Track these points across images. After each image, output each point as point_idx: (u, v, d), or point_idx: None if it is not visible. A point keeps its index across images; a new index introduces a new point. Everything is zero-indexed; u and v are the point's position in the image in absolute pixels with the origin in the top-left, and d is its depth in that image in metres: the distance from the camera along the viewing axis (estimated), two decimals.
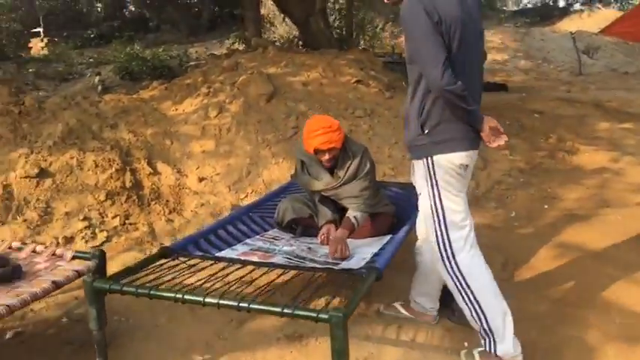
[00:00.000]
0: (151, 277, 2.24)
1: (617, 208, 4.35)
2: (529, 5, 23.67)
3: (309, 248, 2.66)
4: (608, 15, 20.07)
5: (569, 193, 4.88)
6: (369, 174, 2.84)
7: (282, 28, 12.37)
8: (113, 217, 4.07)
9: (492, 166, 5.42)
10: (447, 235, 2.20)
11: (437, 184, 2.18)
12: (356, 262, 2.40)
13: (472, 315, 2.25)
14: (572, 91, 10.64)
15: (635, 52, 16.23)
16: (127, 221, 4.08)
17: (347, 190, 2.81)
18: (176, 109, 5.59)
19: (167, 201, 4.43)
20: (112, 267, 3.06)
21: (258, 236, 2.93)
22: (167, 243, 3.85)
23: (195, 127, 5.23)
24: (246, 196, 4.53)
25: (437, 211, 2.20)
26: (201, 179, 4.71)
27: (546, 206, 4.64)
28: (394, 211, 3.02)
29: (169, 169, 4.74)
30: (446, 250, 2.22)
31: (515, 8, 24.24)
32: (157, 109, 5.57)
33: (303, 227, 3.02)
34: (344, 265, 2.37)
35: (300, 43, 7.74)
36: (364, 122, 5.35)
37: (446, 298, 2.67)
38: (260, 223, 3.18)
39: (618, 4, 20.64)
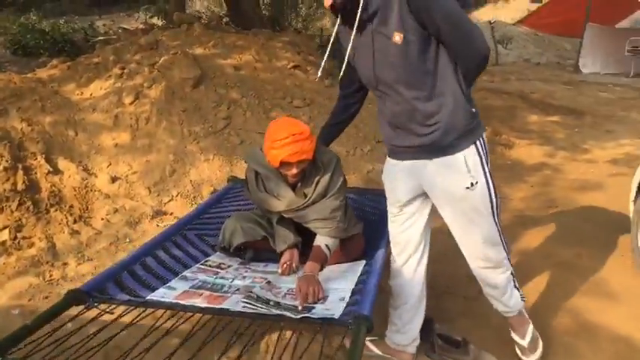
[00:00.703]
0: (55, 346, 1.60)
1: (566, 208, 4.20)
2: None
3: (268, 282, 2.12)
4: (520, 5, 20.77)
5: (516, 192, 4.70)
6: (342, 190, 2.32)
7: (200, 3, 11.41)
8: (1, 230, 3.26)
9: None
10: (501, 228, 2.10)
11: (489, 169, 1.97)
12: (333, 305, 1.89)
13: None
14: (495, 82, 10.73)
15: (545, 44, 16.87)
16: (18, 234, 3.29)
17: (315, 211, 2.27)
18: (82, 93, 4.73)
19: (71, 207, 3.66)
20: (1, 299, 2.35)
21: (198, 265, 2.34)
22: (73, 263, 3.13)
23: (106, 116, 4.43)
24: (171, 200, 3.86)
25: (495, 202, 2.01)
26: (114, 179, 3.96)
27: None
28: (363, 228, 2.54)
29: (73, 167, 3.95)
30: (507, 251, 2.18)
31: None
32: (58, 93, 4.68)
33: (254, 251, 2.46)
34: (320, 311, 1.84)
35: (226, 21, 6.97)
36: (303, 113, 4.82)
37: (425, 331, 2.37)
38: (198, 244, 2.57)
39: None
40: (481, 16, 19.95)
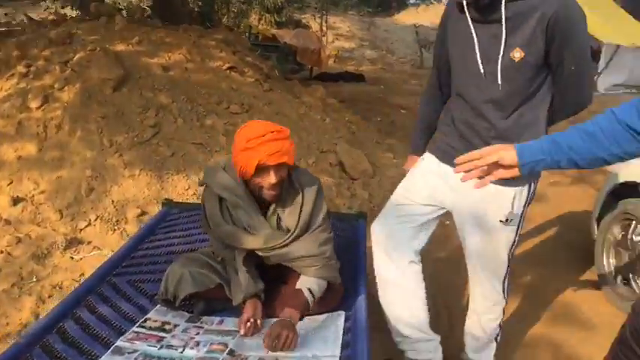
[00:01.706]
0: None
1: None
2: None
3: (231, 352, 1.66)
4: (440, 10, 21.27)
5: None
6: (328, 220, 1.96)
7: None
8: None
9: (382, 173, 4.84)
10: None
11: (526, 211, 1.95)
12: None
13: None
14: (424, 85, 10.77)
15: None
16: None
17: (301, 246, 1.86)
18: None
19: None
20: None
21: (135, 328, 1.82)
22: None
23: (7, 122, 3.71)
24: (88, 225, 3.25)
25: (515, 243, 1.99)
26: (16, 201, 3.30)
27: (448, 222, 4.21)
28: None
29: None
30: (505, 298, 2.13)
31: None
32: None
33: (206, 301, 1.98)
34: None
35: (150, 14, 6.27)
36: (242, 120, 4.32)
37: None
38: (131, 295, 2.04)
39: None
40: (403, 19, 20.31)
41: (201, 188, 2.13)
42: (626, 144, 1.23)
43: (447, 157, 1.92)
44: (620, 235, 2.93)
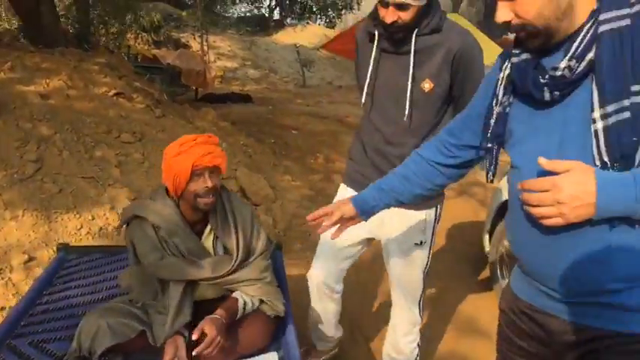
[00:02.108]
0: None
1: None
2: (248, 14, 24.29)
3: None
4: (316, 30, 22.05)
5: None
6: (269, 247, 2.00)
7: None
8: None
9: (283, 196, 4.86)
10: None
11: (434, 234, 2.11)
12: None
13: None
14: (310, 105, 11.00)
15: (342, 67, 18.10)
16: None
17: (245, 272, 1.87)
18: None
19: None
20: None
21: None
22: None
23: None
24: None
25: (428, 264, 2.14)
26: None
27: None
28: None
29: None
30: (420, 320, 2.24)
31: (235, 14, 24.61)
32: None
33: (124, 355, 1.83)
34: None
35: (20, 36, 5.68)
36: (135, 150, 4.10)
37: None
38: (37, 359, 1.83)
39: (325, 22, 22.84)
40: (282, 39, 20.62)
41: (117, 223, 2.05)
42: (435, 178, 1.47)
43: (363, 187, 1.98)
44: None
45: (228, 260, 1.86)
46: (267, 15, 23.97)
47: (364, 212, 1.52)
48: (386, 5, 1.72)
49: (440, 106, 1.89)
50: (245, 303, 1.86)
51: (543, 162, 1.00)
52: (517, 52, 1.15)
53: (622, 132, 0.98)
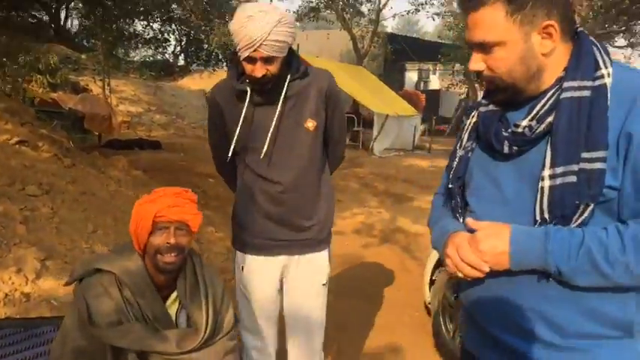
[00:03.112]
0: None
1: (348, 292, 4.20)
2: (151, 59, 23.71)
3: None
4: (223, 76, 21.90)
5: None
6: (236, 326, 1.80)
7: None
8: None
9: (209, 249, 4.59)
10: None
11: None
12: None
13: None
14: None
15: None
16: None
17: (206, 354, 1.64)
18: None
19: None
20: None
21: None
22: None
23: None
24: None
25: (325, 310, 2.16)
26: None
27: None
28: None
29: None
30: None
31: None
32: None
33: None
34: None
35: None
36: (43, 204, 3.67)
37: None
38: None
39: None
40: (188, 84, 20.33)
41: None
42: None
43: (266, 249, 2.02)
44: (453, 298, 3.20)
45: (193, 335, 1.64)
46: (171, 60, 23.56)
47: None
48: (253, 62, 1.76)
49: (321, 140, 2.01)
50: None
51: (470, 223, 1.14)
52: (485, 102, 1.22)
53: (566, 193, 1.04)
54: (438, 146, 16.45)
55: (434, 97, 23.08)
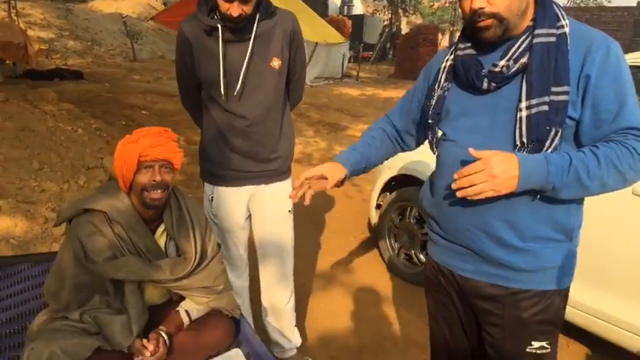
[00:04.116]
0: None
1: None
2: None
3: None
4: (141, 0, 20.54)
5: None
6: (219, 250, 1.92)
7: None
8: None
9: None
10: None
11: None
12: None
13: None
14: (151, 82, 10.37)
15: (172, 40, 17.24)
16: None
17: (199, 278, 1.78)
18: None
19: None
20: None
21: None
22: None
23: None
24: None
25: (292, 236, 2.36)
26: None
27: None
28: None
29: None
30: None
31: None
32: None
33: None
34: None
35: None
36: None
37: None
38: None
39: None
40: (101, 6, 18.85)
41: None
42: (397, 144, 1.71)
43: (233, 179, 2.16)
44: (398, 219, 3.52)
45: (184, 262, 1.77)
46: None
47: (352, 172, 1.64)
48: (230, 1, 1.83)
49: (285, 79, 2.12)
50: (188, 313, 1.82)
51: (473, 152, 1.24)
52: (462, 46, 1.41)
53: (540, 121, 1.25)
54: (365, 74, 16.72)
55: (358, 22, 22.98)
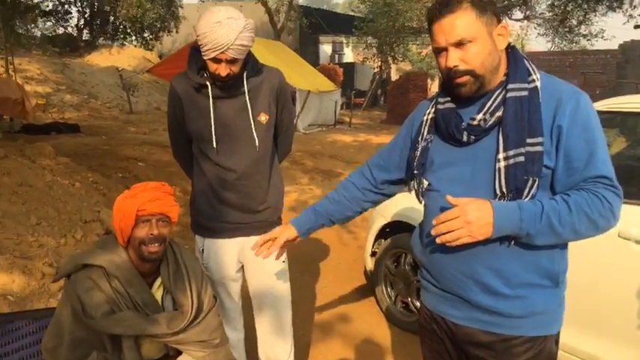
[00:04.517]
0: None
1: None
2: (52, 34, 22.05)
3: None
4: (134, 52, 21.03)
5: None
6: (216, 302, 1.95)
7: None
8: None
9: None
10: None
11: None
12: None
13: None
14: (147, 133, 10.52)
15: (167, 91, 17.60)
16: None
17: (196, 332, 1.80)
18: None
19: None
20: None
21: None
22: None
23: None
24: None
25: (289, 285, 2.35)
26: None
27: None
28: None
29: None
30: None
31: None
32: None
33: None
34: None
35: None
36: None
37: None
38: None
39: (140, 43, 21.85)
40: (97, 60, 19.28)
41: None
42: (364, 203, 1.78)
43: (223, 231, 2.20)
44: (394, 266, 3.55)
45: (181, 316, 1.80)
46: (75, 35, 22.08)
47: (303, 233, 1.77)
48: (218, 62, 1.93)
49: (272, 132, 2.21)
50: None
51: (450, 199, 1.31)
52: (442, 100, 1.50)
53: (517, 171, 1.32)
54: (357, 120, 16.99)
55: (349, 70, 23.57)
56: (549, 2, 18.37)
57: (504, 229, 1.29)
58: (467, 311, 1.47)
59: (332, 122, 14.52)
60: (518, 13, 19.30)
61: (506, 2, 17.33)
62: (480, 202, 1.30)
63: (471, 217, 1.27)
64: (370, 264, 3.75)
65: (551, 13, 18.78)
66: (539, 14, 19.30)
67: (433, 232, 1.33)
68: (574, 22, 18.65)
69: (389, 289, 3.59)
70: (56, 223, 3.85)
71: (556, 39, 19.74)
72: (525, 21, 19.61)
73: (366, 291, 3.97)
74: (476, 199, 1.31)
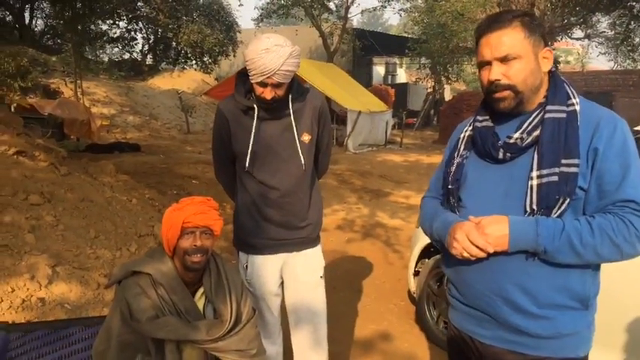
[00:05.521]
0: None
1: (339, 285, 4.47)
2: (118, 59, 23.43)
3: None
4: (193, 76, 21.93)
5: None
6: (255, 314, 2.02)
7: None
8: None
9: None
10: None
11: None
12: None
13: None
14: (202, 152, 10.90)
15: None
16: None
17: (234, 341, 1.86)
18: None
19: None
20: None
21: None
22: None
23: None
24: None
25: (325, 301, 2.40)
26: None
27: None
28: None
29: None
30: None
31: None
32: None
33: None
34: None
35: None
36: (46, 212, 3.84)
37: None
38: None
39: (200, 67, 22.79)
40: (159, 83, 20.20)
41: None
42: None
43: (265, 247, 2.27)
44: (436, 286, 3.52)
45: (220, 324, 1.88)
46: (139, 59, 23.33)
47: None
48: (264, 86, 2.02)
49: (314, 151, 2.29)
50: None
51: (472, 219, 1.39)
52: (480, 118, 1.53)
53: (550, 190, 1.34)
54: (409, 140, 16.89)
55: (402, 90, 23.58)
56: (610, 21, 17.78)
57: (520, 241, 1.33)
58: (494, 330, 1.47)
59: (383, 142, 14.52)
60: (578, 32, 18.81)
61: (565, 22, 16.92)
62: (497, 217, 1.36)
63: (488, 230, 1.34)
64: (413, 284, 3.74)
65: (612, 32, 18.16)
66: (600, 32, 18.72)
67: (456, 248, 1.38)
68: (637, 40, 17.92)
69: (431, 309, 3.56)
70: (113, 236, 4.07)
71: (618, 58, 19.04)
72: (586, 40, 19.07)
73: (409, 311, 3.95)
74: (495, 215, 1.35)
